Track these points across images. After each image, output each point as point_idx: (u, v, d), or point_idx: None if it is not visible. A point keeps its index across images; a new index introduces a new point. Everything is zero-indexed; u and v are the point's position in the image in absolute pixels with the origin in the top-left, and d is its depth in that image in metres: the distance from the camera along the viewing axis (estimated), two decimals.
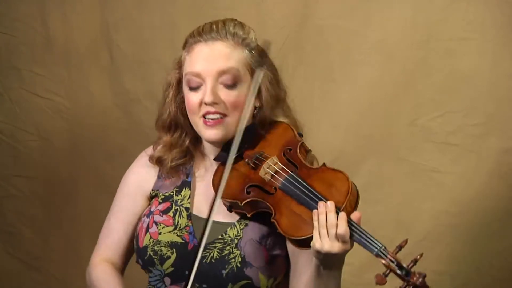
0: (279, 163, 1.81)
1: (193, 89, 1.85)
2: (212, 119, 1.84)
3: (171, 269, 1.85)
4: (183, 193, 1.93)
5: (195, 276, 1.77)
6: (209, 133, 1.85)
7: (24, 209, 3.19)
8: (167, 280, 1.86)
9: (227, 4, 2.93)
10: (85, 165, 3.15)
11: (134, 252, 1.99)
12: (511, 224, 2.80)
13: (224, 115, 1.84)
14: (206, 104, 1.82)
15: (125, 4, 3.05)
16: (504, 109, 2.78)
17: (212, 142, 1.89)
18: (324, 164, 1.81)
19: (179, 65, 1.91)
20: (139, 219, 1.97)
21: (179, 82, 1.91)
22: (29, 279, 3.20)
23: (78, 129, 3.14)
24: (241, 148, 1.86)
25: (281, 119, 1.95)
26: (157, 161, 1.96)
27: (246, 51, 1.86)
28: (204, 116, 1.84)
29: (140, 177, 2.00)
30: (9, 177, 3.18)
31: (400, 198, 2.89)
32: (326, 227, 1.65)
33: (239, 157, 1.87)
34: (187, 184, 1.94)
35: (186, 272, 1.81)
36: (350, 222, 1.66)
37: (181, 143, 1.94)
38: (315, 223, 1.67)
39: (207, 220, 1.71)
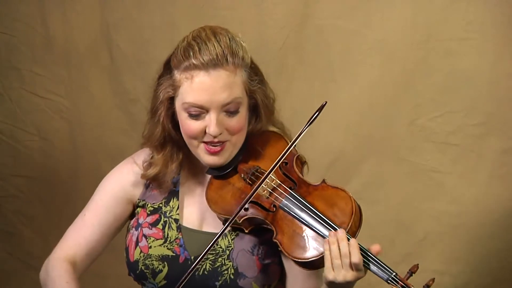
0: (277, 180, 1.78)
1: (194, 116, 1.77)
2: (215, 146, 1.78)
3: (163, 282, 1.82)
4: (171, 203, 1.88)
5: None
6: (211, 159, 1.80)
7: (24, 209, 3.19)
8: None
9: (227, 4, 2.93)
10: (85, 165, 3.15)
11: (98, 255, 1.94)
12: (511, 224, 2.81)
13: (226, 141, 1.80)
14: (210, 134, 1.76)
15: (125, 4, 3.05)
16: (504, 109, 2.78)
17: (211, 166, 1.84)
18: (324, 181, 1.76)
19: (173, 85, 1.79)
20: (118, 223, 1.91)
21: (171, 99, 1.82)
22: (29, 279, 3.19)
23: (78, 129, 3.14)
24: (235, 161, 1.83)
25: (271, 128, 1.90)
26: (153, 179, 1.89)
27: (244, 71, 1.78)
28: (205, 142, 1.79)
29: (126, 181, 1.92)
30: (9, 177, 3.18)
31: (400, 198, 2.89)
32: (340, 257, 1.62)
33: (233, 171, 1.83)
34: (175, 194, 1.89)
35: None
36: (361, 248, 1.63)
37: (176, 157, 1.87)
38: (327, 253, 1.63)
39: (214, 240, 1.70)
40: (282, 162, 1.78)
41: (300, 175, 1.80)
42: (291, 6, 2.92)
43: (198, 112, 1.76)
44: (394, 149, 2.89)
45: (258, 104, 1.83)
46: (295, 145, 1.80)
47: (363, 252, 1.63)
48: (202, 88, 1.74)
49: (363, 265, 1.63)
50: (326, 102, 1.77)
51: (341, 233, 1.63)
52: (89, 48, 3.09)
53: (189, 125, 1.78)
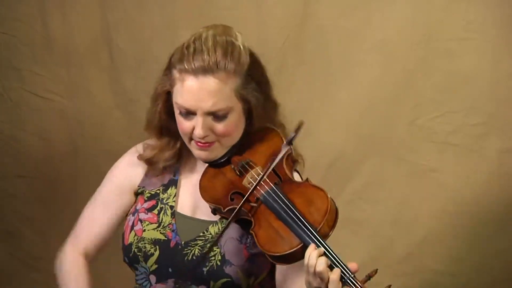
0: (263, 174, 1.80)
1: (184, 115, 1.82)
2: (203, 143, 1.83)
3: (155, 266, 1.86)
4: (169, 191, 1.93)
5: (179, 274, 1.81)
6: (200, 154, 1.85)
7: (24, 209, 3.19)
8: (153, 278, 1.87)
9: (227, 4, 2.93)
10: (85, 165, 3.15)
11: (107, 245, 2.00)
12: (511, 224, 2.81)
13: (214, 141, 1.84)
14: (196, 136, 1.81)
15: (125, 4, 3.05)
16: (504, 109, 2.78)
17: (202, 160, 1.89)
18: (307, 179, 1.80)
19: (170, 82, 1.84)
20: (125, 214, 1.96)
21: (169, 92, 1.86)
22: (29, 279, 3.20)
23: (78, 129, 3.14)
24: (230, 152, 1.86)
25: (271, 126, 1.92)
26: (147, 161, 1.95)
27: (238, 79, 1.80)
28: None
29: (129, 171, 1.98)
30: (9, 177, 3.18)
31: (400, 198, 2.90)
32: (307, 266, 1.66)
33: (226, 162, 1.87)
34: (174, 182, 1.94)
35: (170, 269, 1.83)
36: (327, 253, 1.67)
37: (172, 146, 1.93)
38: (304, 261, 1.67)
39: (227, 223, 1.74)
40: (273, 157, 1.81)
41: (288, 172, 1.82)
42: (291, 6, 2.92)
43: (187, 113, 1.81)
44: (394, 149, 2.90)
45: (251, 109, 1.85)
46: (291, 146, 1.82)
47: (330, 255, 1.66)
48: (189, 92, 1.78)
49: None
50: (303, 123, 1.79)
51: (312, 247, 1.67)
52: (89, 48, 3.09)
53: (180, 122, 1.83)
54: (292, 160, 1.87)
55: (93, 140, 3.13)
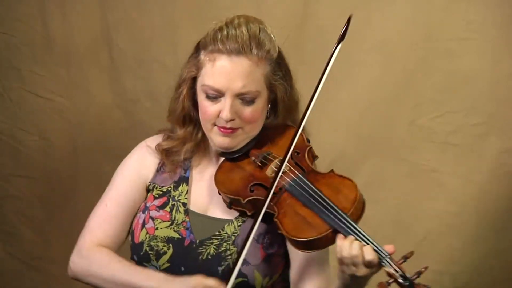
0: (287, 164, 1.80)
1: (210, 98, 1.81)
2: (226, 128, 1.82)
3: (167, 264, 1.84)
4: (180, 188, 1.91)
5: (191, 273, 1.78)
6: (222, 140, 1.83)
7: (24, 209, 3.19)
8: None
9: (227, 4, 2.93)
10: (85, 165, 3.15)
11: (122, 243, 1.96)
12: (511, 224, 2.81)
13: (238, 127, 1.83)
14: (223, 119, 1.80)
15: (125, 4, 3.05)
16: (504, 109, 2.79)
17: (222, 149, 1.87)
18: (332, 170, 1.80)
19: (196, 65, 1.84)
20: (136, 209, 1.94)
21: (194, 78, 1.87)
22: (29, 279, 3.20)
23: (78, 129, 3.14)
24: (248, 146, 1.86)
25: (290, 124, 1.94)
26: (165, 151, 1.93)
27: (268, 65, 1.83)
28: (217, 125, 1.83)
29: (141, 166, 1.96)
30: (9, 177, 3.18)
31: (400, 198, 2.90)
32: (350, 256, 1.64)
33: (244, 155, 1.87)
34: (185, 179, 1.92)
35: (182, 268, 1.81)
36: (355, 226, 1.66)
37: (194, 136, 1.91)
38: (338, 249, 1.66)
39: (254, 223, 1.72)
40: (294, 151, 1.83)
41: (310, 164, 1.83)
42: (291, 6, 2.92)
43: (215, 95, 1.80)
44: (394, 149, 2.90)
45: (277, 99, 1.86)
46: (309, 143, 1.87)
47: (357, 230, 1.66)
48: (221, 72, 1.79)
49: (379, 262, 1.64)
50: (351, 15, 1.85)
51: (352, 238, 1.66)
52: (89, 48, 3.09)
53: (205, 107, 1.82)
54: (313, 155, 1.88)
55: (93, 140, 3.13)
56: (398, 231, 2.91)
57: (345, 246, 1.64)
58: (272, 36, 1.86)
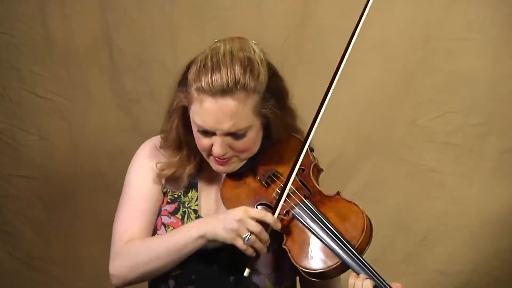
0: (292, 187, 1.77)
1: (202, 133, 1.78)
2: (222, 159, 1.79)
3: (178, 272, 1.81)
4: (190, 194, 1.89)
5: (201, 281, 1.77)
6: (220, 168, 1.81)
7: (24, 209, 3.18)
8: (171, 283, 1.83)
9: (227, 4, 2.93)
10: (85, 165, 3.15)
11: None
12: (511, 224, 2.81)
13: (233, 156, 1.80)
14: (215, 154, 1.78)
15: (125, 4, 3.05)
16: (504, 109, 2.79)
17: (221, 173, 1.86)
18: (338, 193, 1.77)
19: (187, 98, 1.78)
20: (158, 209, 1.88)
21: (185, 108, 1.81)
22: (29, 279, 3.20)
23: (78, 129, 3.13)
24: (251, 163, 1.83)
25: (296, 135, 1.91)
26: (170, 178, 1.88)
27: (257, 97, 1.76)
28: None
29: (153, 164, 1.89)
30: (9, 177, 3.18)
31: (400, 198, 2.90)
32: None
33: (250, 172, 1.84)
34: (194, 185, 1.90)
35: (193, 276, 1.80)
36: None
37: (193, 159, 1.87)
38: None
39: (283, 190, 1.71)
40: (299, 168, 1.78)
41: (316, 184, 1.80)
42: (291, 6, 2.92)
43: (206, 132, 1.76)
44: (394, 149, 2.90)
45: (270, 124, 1.82)
46: (313, 152, 1.85)
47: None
48: (208, 114, 1.74)
49: None
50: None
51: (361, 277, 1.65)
52: (89, 48, 3.09)
53: (199, 139, 1.79)
54: (318, 170, 1.85)
55: (93, 140, 3.13)
56: (398, 231, 2.91)
57: (358, 285, 1.63)
58: (259, 62, 1.77)
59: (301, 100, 2.93)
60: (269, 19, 2.93)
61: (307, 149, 1.82)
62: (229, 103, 1.72)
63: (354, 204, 1.73)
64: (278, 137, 1.85)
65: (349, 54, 2.05)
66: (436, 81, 2.83)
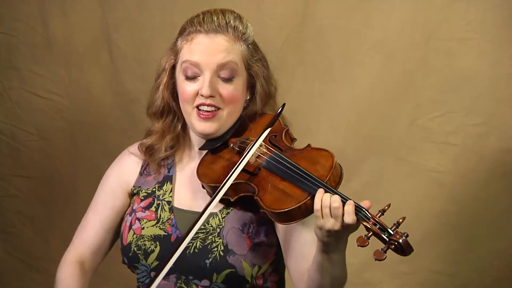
0: (264, 144, 1.83)
1: (189, 78, 1.85)
2: (206, 111, 1.85)
3: (156, 263, 1.86)
4: (164, 187, 1.94)
5: (180, 268, 1.81)
6: (203, 126, 1.86)
7: (24, 209, 3.19)
8: (153, 274, 1.87)
9: (227, 4, 2.91)
10: (85, 165, 3.15)
11: (108, 251, 2.01)
12: (511, 224, 2.81)
13: (218, 108, 1.85)
14: (202, 96, 1.83)
15: (125, 4, 3.05)
16: (504, 109, 2.78)
17: (203, 136, 1.89)
18: (309, 145, 1.83)
19: (175, 52, 1.90)
20: (119, 216, 1.98)
21: (173, 68, 1.91)
22: (29, 279, 3.20)
23: (78, 129, 3.14)
24: (228, 134, 1.89)
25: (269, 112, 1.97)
26: (148, 149, 1.96)
27: (244, 45, 1.88)
28: (198, 107, 1.85)
29: (122, 173, 2.01)
30: (9, 177, 3.18)
31: (400, 198, 2.89)
32: (329, 206, 1.64)
33: (223, 145, 1.90)
34: (169, 178, 1.95)
35: (171, 265, 1.83)
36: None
37: (173, 129, 1.95)
38: (317, 200, 1.65)
39: (203, 211, 1.74)
40: (271, 134, 1.86)
41: (288, 144, 1.86)
42: (291, 6, 2.92)
43: (194, 73, 1.84)
44: (394, 149, 2.89)
45: (255, 82, 1.89)
46: (285, 124, 1.90)
47: (358, 209, 1.65)
48: (199, 47, 1.84)
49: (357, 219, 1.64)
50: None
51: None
52: (89, 48, 3.09)
53: (184, 87, 1.86)
54: (291, 137, 1.90)
55: (93, 140, 3.13)
56: None
57: (326, 197, 1.65)
58: (248, 24, 1.91)
59: (300, 99, 2.95)
60: (269, 19, 2.93)
61: (279, 119, 1.89)
62: (220, 39, 1.85)
63: (325, 150, 1.78)
64: (258, 104, 1.91)
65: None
66: (436, 81, 2.82)
